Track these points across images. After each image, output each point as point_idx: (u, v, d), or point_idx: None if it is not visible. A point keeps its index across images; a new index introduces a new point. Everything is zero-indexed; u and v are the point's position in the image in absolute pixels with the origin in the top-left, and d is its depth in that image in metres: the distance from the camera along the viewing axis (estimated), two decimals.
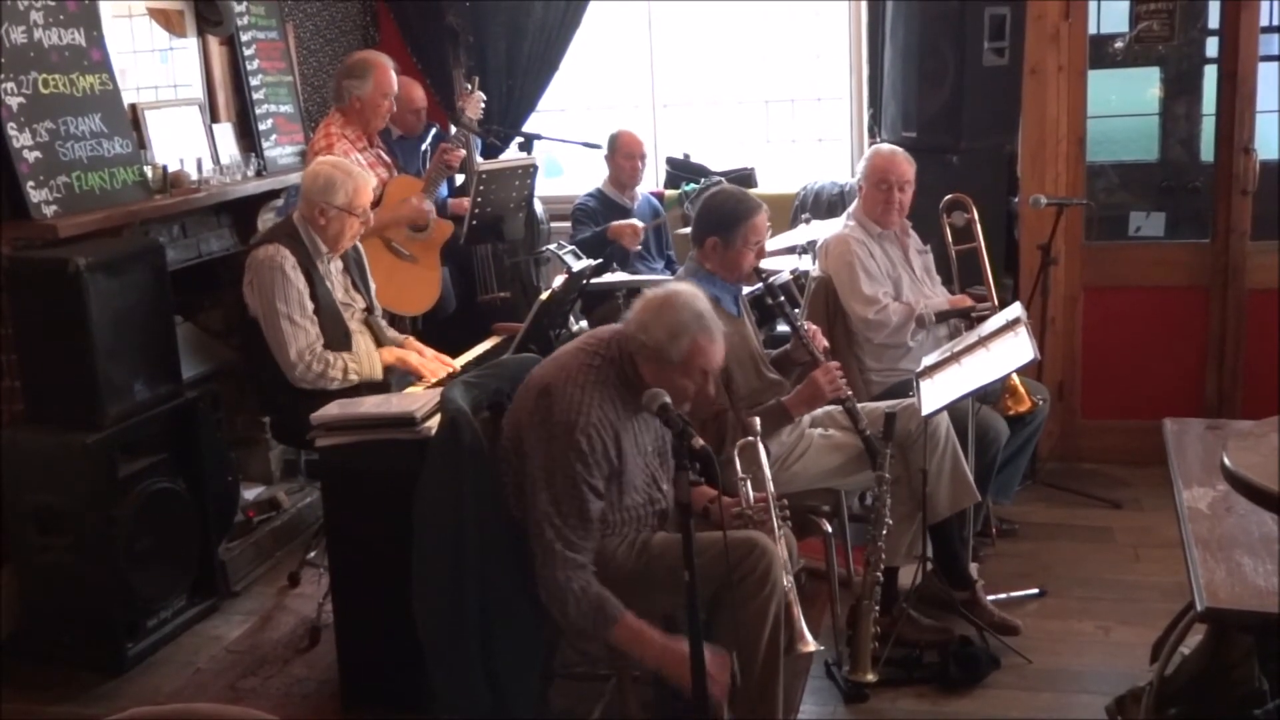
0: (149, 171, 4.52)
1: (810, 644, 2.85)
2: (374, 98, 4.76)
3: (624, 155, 5.71)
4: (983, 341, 3.64)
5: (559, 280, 4.08)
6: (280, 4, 5.61)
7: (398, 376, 4.07)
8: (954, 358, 3.65)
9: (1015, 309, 3.78)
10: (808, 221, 5.09)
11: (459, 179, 5.66)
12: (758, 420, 3.16)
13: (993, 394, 4.04)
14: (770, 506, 3.00)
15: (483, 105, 5.11)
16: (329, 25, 6.20)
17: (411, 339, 4.28)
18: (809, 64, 6.75)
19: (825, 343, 3.75)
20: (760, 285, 3.75)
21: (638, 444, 2.98)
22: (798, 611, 2.88)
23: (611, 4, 6.59)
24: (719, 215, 3.60)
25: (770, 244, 4.87)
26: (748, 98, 6.92)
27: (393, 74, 4.84)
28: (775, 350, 3.85)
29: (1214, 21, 5.21)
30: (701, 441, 2.57)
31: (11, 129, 3.93)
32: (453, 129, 5.27)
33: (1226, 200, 5.09)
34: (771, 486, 3.06)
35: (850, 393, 3.55)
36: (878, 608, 3.49)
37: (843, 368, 3.60)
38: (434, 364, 4.08)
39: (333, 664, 3.67)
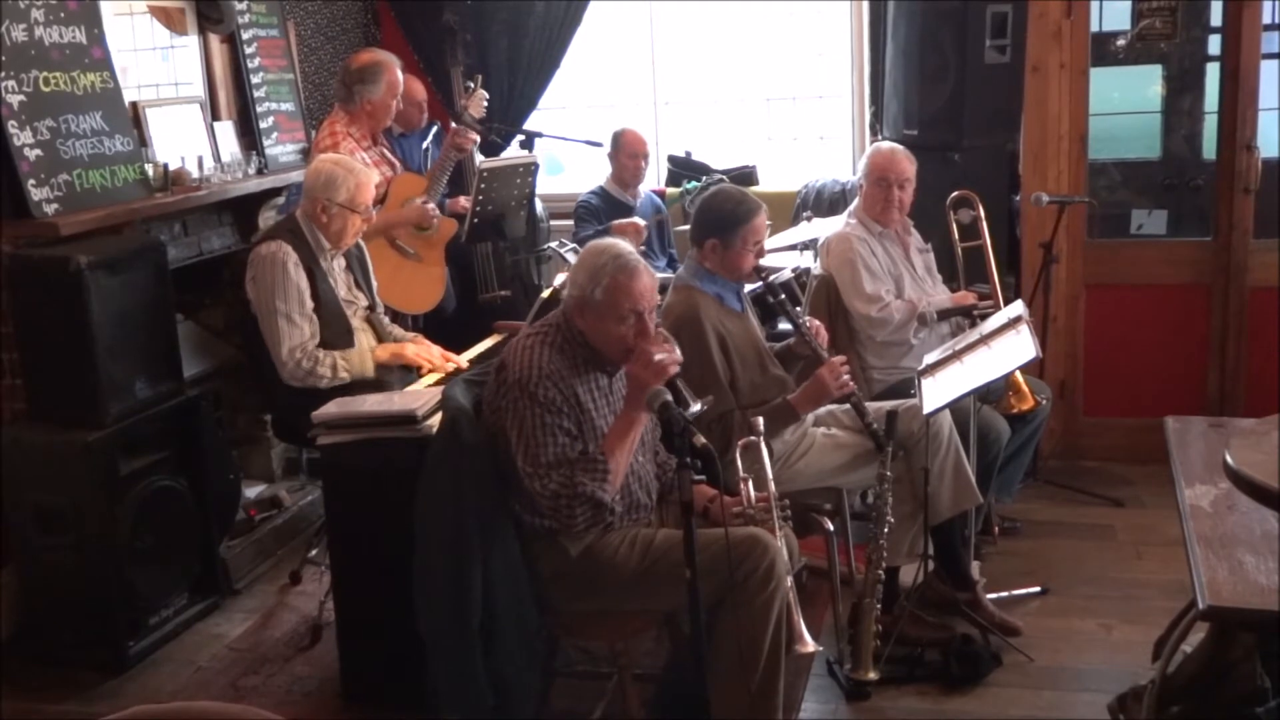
0: (150, 169, 4.52)
1: (809, 645, 2.85)
2: (385, 100, 4.77)
3: (627, 154, 5.71)
4: (984, 339, 3.64)
5: (561, 278, 4.08)
6: (281, 2, 5.61)
7: (399, 374, 4.06)
8: (956, 356, 3.64)
9: (1017, 307, 3.77)
10: (809, 219, 5.08)
11: (459, 176, 5.65)
12: (760, 419, 3.16)
13: (995, 393, 4.03)
14: (772, 506, 3.00)
15: (485, 104, 5.11)
16: (330, 23, 6.20)
17: (420, 337, 4.28)
18: (810, 61, 6.75)
19: (826, 337, 3.74)
20: (761, 284, 3.74)
21: (596, 402, 2.97)
22: (797, 612, 2.87)
23: (613, 2, 6.59)
24: (717, 217, 3.58)
25: (772, 242, 4.88)
26: (749, 95, 6.92)
27: (400, 73, 4.85)
28: (778, 345, 3.85)
29: (1216, 19, 5.22)
30: (703, 439, 2.57)
31: (12, 127, 3.93)
32: (454, 128, 5.26)
33: (1228, 198, 5.09)
34: (773, 486, 3.05)
35: (856, 388, 3.55)
36: (879, 606, 3.49)
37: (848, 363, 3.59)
38: (433, 355, 4.08)
39: (334, 662, 3.67)
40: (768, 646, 2.86)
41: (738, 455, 3.12)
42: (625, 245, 3.00)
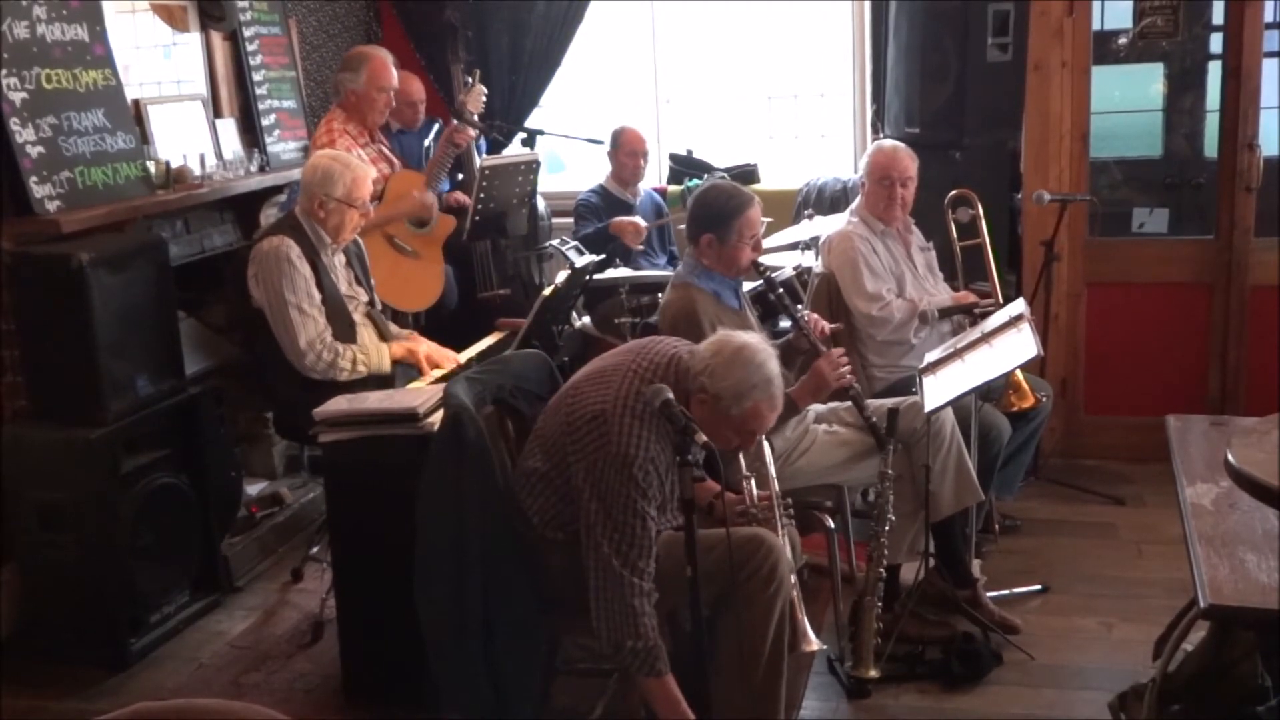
0: (152, 167, 4.52)
1: (813, 643, 2.85)
2: (368, 90, 4.76)
3: (627, 153, 5.71)
4: (986, 338, 3.64)
5: (562, 276, 4.08)
6: (283, 0, 5.61)
7: (401, 371, 4.07)
8: (957, 354, 3.65)
9: (1018, 305, 3.78)
10: (810, 217, 5.08)
11: (460, 175, 5.66)
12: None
13: (996, 391, 4.03)
14: (774, 503, 2.99)
15: (484, 100, 5.11)
16: (331, 21, 6.20)
17: (415, 335, 4.29)
18: (812, 59, 6.74)
19: (826, 328, 3.73)
20: (760, 281, 3.74)
21: (671, 490, 2.92)
22: (801, 611, 2.87)
23: (615, 0, 6.58)
24: (711, 212, 3.58)
25: (773, 240, 4.89)
26: (751, 93, 6.92)
27: (390, 67, 4.84)
28: (779, 341, 3.85)
29: (1218, 18, 5.21)
30: (704, 437, 2.57)
31: (14, 124, 3.93)
32: (452, 124, 5.27)
33: (1230, 197, 5.09)
34: (776, 484, 3.05)
35: (855, 380, 3.54)
36: (880, 604, 3.49)
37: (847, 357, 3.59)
38: (438, 355, 4.10)
39: (336, 659, 3.67)
40: (769, 646, 2.86)
41: (740, 452, 3.11)
42: (776, 363, 2.89)
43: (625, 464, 2.74)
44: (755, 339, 2.94)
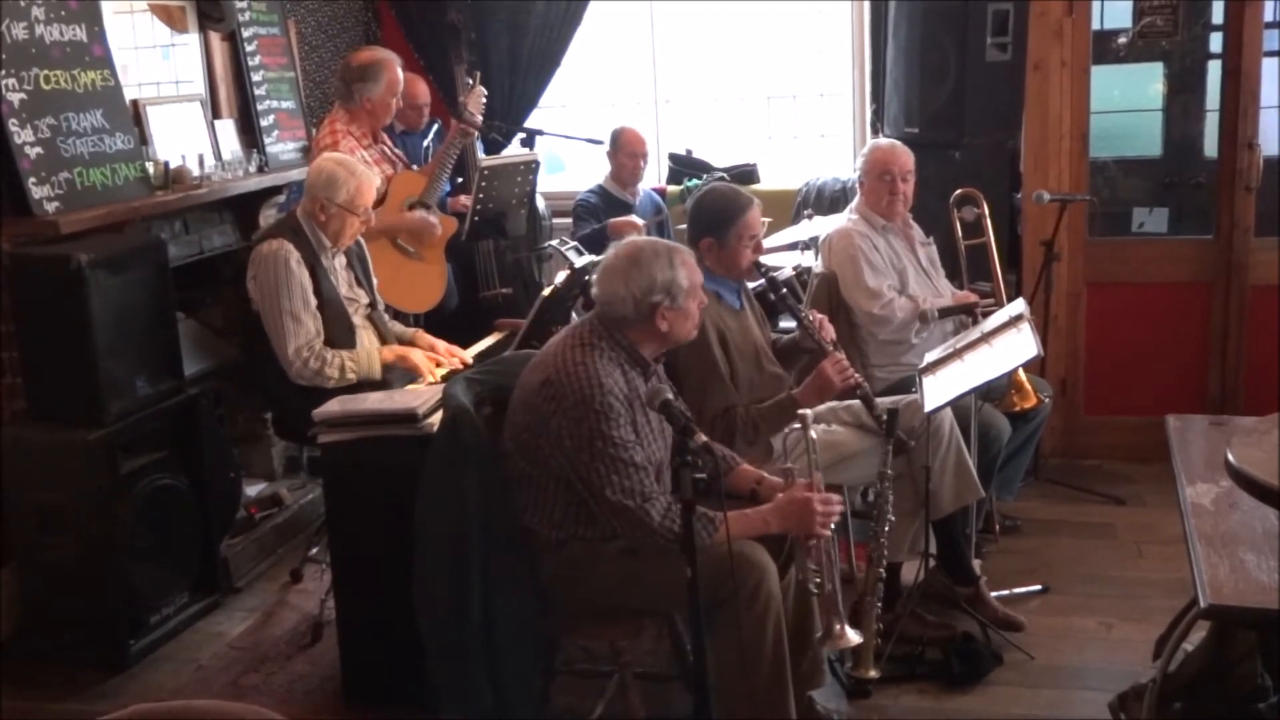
0: (151, 168, 4.52)
1: (848, 638, 2.91)
2: (385, 98, 4.76)
3: (626, 154, 5.71)
4: (986, 338, 3.64)
5: (561, 276, 4.08)
6: (282, 0, 5.60)
7: (400, 373, 4.06)
8: (957, 354, 3.64)
9: (1018, 305, 3.77)
10: (810, 218, 5.08)
11: (460, 177, 5.66)
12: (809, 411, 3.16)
13: (996, 390, 4.03)
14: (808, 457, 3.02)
15: (484, 100, 5.11)
16: (331, 21, 6.20)
17: (421, 332, 4.29)
18: (811, 59, 6.74)
19: (832, 333, 3.74)
20: (762, 281, 3.73)
21: (640, 410, 2.95)
22: (834, 610, 2.94)
23: (614, 1, 6.58)
24: (710, 216, 3.58)
25: (773, 240, 4.89)
26: (750, 93, 6.92)
27: (400, 71, 4.84)
28: (784, 338, 3.84)
29: (1218, 17, 5.21)
30: (704, 437, 2.57)
31: (13, 125, 3.93)
32: (455, 123, 5.26)
33: (1230, 196, 5.09)
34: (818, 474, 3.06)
35: (861, 379, 3.53)
36: (880, 604, 3.49)
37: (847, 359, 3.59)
38: (439, 359, 4.09)
39: (335, 660, 3.67)
40: (769, 661, 2.85)
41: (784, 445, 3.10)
42: (648, 238, 3.05)
43: (587, 405, 2.81)
44: (627, 242, 3.04)
